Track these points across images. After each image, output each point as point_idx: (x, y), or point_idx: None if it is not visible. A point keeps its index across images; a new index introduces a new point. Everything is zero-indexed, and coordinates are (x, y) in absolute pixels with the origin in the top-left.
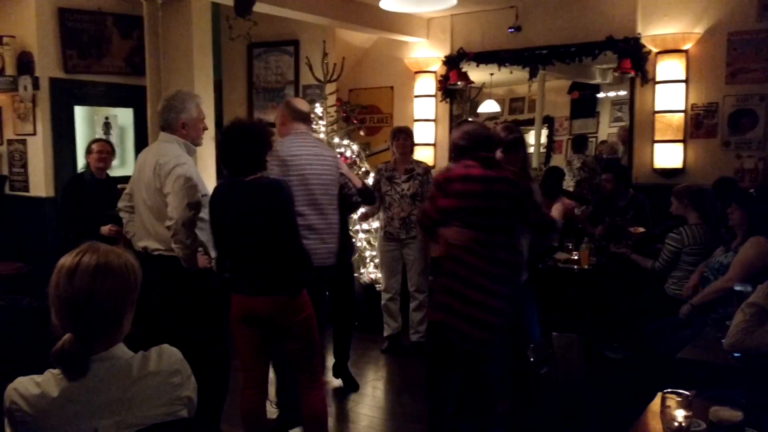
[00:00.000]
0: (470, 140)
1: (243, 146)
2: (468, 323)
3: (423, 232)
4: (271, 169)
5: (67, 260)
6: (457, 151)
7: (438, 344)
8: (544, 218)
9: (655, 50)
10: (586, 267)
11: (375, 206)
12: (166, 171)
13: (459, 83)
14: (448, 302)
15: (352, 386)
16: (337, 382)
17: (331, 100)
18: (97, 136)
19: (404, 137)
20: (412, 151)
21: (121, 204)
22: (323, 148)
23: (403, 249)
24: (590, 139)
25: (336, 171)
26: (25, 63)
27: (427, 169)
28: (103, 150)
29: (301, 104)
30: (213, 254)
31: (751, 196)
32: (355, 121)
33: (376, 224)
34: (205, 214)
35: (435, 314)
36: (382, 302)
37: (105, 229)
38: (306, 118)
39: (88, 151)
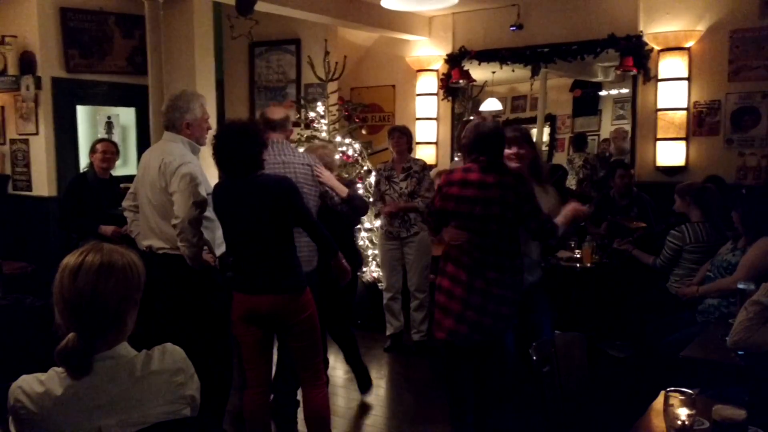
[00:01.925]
0: (471, 140)
1: (238, 148)
2: (466, 325)
3: (427, 226)
4: None
5: (70, 260)
6: (463, 151)
7: (447, 351)
8: (543, 225)
9: (657, 48)
10: (588, 265)
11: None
12: (171, 170)
13: (461, 81)
14: (447, 304)
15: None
16: (339, 381)
17: (333, 98)
18: (100, 136)
19: (398, 135)
20: (409, 149)
21: (125, 203)
22: (295, 156)
23: (404, 248)
24: (592, 137)
25: (310, 179)
26: (27, 63)
27: (424, 165)
28: (108, 150)
29: (273, 113)
30: (218, 252)
31: (740, 194)
32: (357, 120)
33: (378, 222)
34: (209, 212)
35: (438, 332)
36: (384, 301)
37: (108, 230)
38: (277, 126)
39: (92, 151)
